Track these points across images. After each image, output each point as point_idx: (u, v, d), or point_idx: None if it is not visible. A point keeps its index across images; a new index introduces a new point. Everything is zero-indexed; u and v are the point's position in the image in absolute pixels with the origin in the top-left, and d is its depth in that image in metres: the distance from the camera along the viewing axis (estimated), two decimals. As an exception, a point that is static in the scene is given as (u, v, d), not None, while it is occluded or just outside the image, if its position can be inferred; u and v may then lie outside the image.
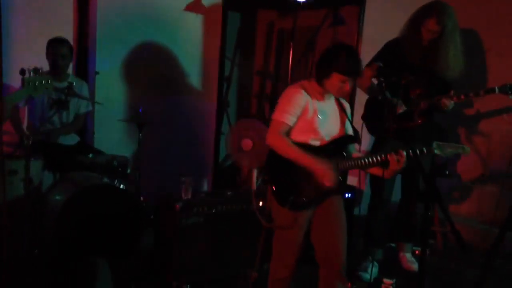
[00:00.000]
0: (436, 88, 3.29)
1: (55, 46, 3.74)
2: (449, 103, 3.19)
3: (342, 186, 2.52)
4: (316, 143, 2.51)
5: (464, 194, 4.28)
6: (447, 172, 3.91)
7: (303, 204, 2.48)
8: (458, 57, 3.25)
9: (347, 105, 2.67)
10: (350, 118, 2.66)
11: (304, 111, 2.47)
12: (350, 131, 2.64)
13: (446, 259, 3.70)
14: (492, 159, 4.09)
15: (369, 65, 3.36)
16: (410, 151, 2.42)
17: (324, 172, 2.39)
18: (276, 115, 2.49)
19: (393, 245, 3.84)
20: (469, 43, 3.37)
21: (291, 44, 4.14)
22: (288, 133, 2.49)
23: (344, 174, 2.56)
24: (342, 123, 2.62)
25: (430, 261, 3.60)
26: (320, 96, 2.54)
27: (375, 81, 3.33)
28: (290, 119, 2.46)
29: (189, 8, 4.48)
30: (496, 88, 3.10)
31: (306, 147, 2.47)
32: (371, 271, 3.20)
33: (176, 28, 4.47)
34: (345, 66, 2.40)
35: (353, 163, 2.51)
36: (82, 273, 3.16)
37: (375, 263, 3.50)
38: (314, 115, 2.48)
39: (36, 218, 3.24)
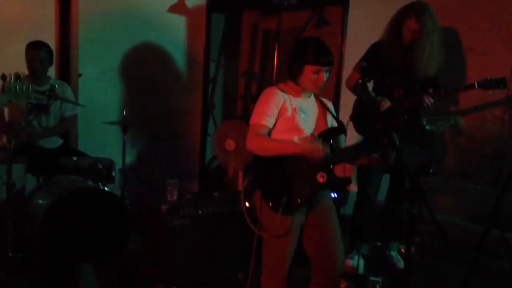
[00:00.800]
0: (418, 87, 3.32)
1: (33, 51, 3.67)
2: (428, 101, 3.23)
3: (335, 181, 2.42)
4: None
5: (448, 192, 4.33)
6: (431, 170, 3.95)
7: (297, 205, 2.40)
8: (434, 56, 3.27)
9: (329, 103, 2.65)
10: (335, 114, 2.61)
11: (282, 110, 2.44)
12: (335, 126, 2.59)
13: (432, 257, 3.72)
14: (476, 156, 4.14)
15: (356, 67, 3.40)
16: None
17: (310, 147, 2.32)
18: (253, 119, 2.45)
19: (379, 243, 3.86)
20: (452, 42, 3.41)
21: (276, 45, 4.15)
22: (268, 136, 2.44)
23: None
24: (325, 120, 2.58)
25: (416, 259, 3.63)
26: (298, 95, 2.51)
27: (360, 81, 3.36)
28: (267, 120, 2.42)
29: (173, 9, 4.46)
30: (476, 83, 3.12)
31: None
32: (357, 264, 3.21)
33: (160, 29, 4.45)
34: (315, 56, 2.38)
35: (344, 152, 2.46)
36: (66, 277, 3.12)
37: (361, 257, 3.53)
38: (294, 112, 2.45)
39: (19, 222, 3.19)
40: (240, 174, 4.03)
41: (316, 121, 2.55)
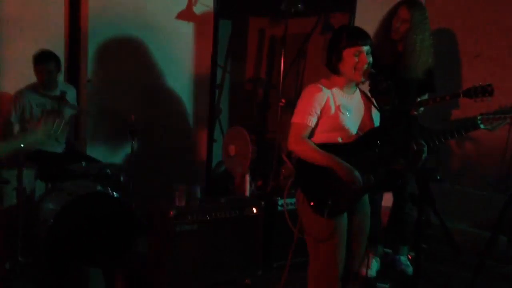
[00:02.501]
0: (412, 90, 3.30)
1: (40, 65, 3.68)
2: (416, 112, 3.21)
3: (382, 182, 2.34)
4: (345, 141, 2.37)
5: (455, 198, 4.32)
6: (438, 177, 3.95)
7: (343, 207, 2.32)
8: (424, 53, 3.24)
9: (372, 98, 2.51)
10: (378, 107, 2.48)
11: (326, 108, 2.33)
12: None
13: (440, 262, 3.72)
14: (482, 163, 4.14)
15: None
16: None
17: (349, 174, 2.24)
18: (295, 118, 2.35)
19: (387, 250, 3.86)
20: (457, 48, 3.42)
21: (283, 51, 4.16)
22: (310, 135, 2.36)
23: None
24: (370, 116, 2.46)
25: (424, 265, 3.62)
26: (342, 91, 2.39)
27: None
28: (310, 120, 2.32)
29: (181, 16, 4.49)
30: (461, 92, 3.03)
31: (334, 146, 2.33)
32: (367, 265, 3.22)
33: (168, 36, 4.47)
34: (351, 37, 2.29)
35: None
36: (75, 281, 3.14)
37: (377, 258, 3.54)
38: (338, 111, 2.34)
39: (29, 228, 3.22)
40: (247, 179, 4.04)
41: (362, 119, 2.45)
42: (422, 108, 3.22)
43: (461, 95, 3.02)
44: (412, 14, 3.19)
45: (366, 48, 2.32)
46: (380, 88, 2.35)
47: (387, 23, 3.31)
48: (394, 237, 3.71)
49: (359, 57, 2.30)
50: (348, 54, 2.31)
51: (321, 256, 2.36)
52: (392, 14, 3.29)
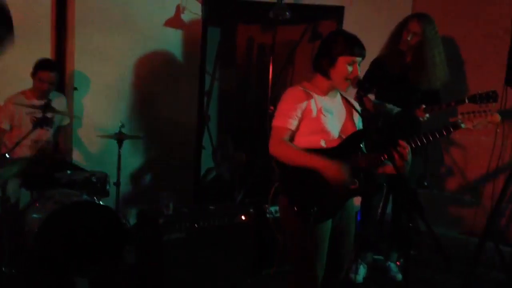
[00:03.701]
0: (416, 99, 3.36)
1: (45, 71, 3.63)
2: (421, 116, 3.27)
3: (368, 185, 2.32)
4: (328, 144, 2.32)
5: (442, 205, 4.34)
6: (425, 183, 3.96)
7: (328, 213, 2.28)
8: (442, 66, 3.33)
9: (355, 103, 2.47)
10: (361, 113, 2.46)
11: (307, 111, 2.29)
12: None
13: (429, 269, 3.72)
14: (469, 169, 4.17)
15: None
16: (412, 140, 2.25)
17: (336, 169, 2.20)
18: (276, 121, 2.31)
19: (378, 257, 3.86)
20: (448, 54, 3.46)
21: (271, 58, 4.17)
22: (292, 139, 2.31)
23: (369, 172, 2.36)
24: (353, 121, 2.43)
25: (413, 272, 3.62)
26: (324, 94, 2.37)
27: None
28: (291, 123, 2.28)
29: (169, 23, 4.48)
30: (466, 98, 3.10)
31: (317, 151, 2.27)
32: (355, 271, 3.25)
33: (156, 43, 4.46)
34: (349, 46, 2.25)
35: (369, 159, 2.30)
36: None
37: (364, 264, 3.56)
38: (319, 113, 2.30)
39: (14, 237, 3.16)
40: (235, 187, 4.02)
41: (344, 122, 2.41)
42: (427, 115, 3.26)
43: (466, 101, 3.09)
44: (423, 28, 3.27)
45: (359, 59, 2.30)
46: (367, 93, 2.37)
47: (397, 35, 3.38)
48: (387, 244, 3.73)
49: (352, 67, 2.28)
50: (342, 62, 2.28)
51: (301, 259, 2.33)
52: (402, 26, 3.36)
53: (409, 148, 2.25)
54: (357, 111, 2.45)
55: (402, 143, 2.24)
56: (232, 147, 4.28)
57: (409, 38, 3.29)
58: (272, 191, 2.39)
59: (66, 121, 3.96)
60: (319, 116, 2.30)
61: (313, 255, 2.29)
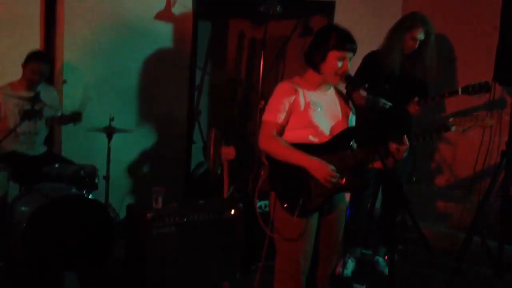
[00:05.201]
0: (412, 94, 3.40)
1: (39, 64, 3.61)
2: (414, 110, 3.31)
3: (353, 183, 2.33)
4: (316, 139, 2.34)
5: (431, 200, 4.38)
6: (414, 179, 3.99)
7: (314, 208, 2.31)
8: (434, 66, 3.42)
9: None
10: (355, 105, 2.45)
11: (295, 105, 2.30)
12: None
13: (416, 264, 3.76)
14: (458, 164, 4.21)
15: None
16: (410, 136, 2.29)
17: (320, 172, 2.23)
18: (265, 116, 2.34)
19: (366, 251, 3.89)
20: (438, 51, 3.50)
21: (262, 52, 4.17)
22: (281, 133, 2.34)
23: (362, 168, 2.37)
24: (345, 115, 2.44)
25: (400, 266, 3.66)
26: (315, 88, 2.37)
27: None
28: (280, 117, 2.30)
29: (159, 16, 4.46)
30: (460, 89, 3.18)
31: (306, 146, 2.30)
32: (344, 265, 3.29)
33: (146, 36, 4.43)
34: (341, 41, 2.26)
35: (360, 156, 2.31)
36: (50, 286, 3.08)
37: (353, 258, 3.60)
38: (307, 107, 2.31)
39: (2, 230, 3.15)
40: (226, 182, 4.02)
41: (335, 117, 2.41)
42: (418, 108, 3.32)
43: (459, 92, 3.14)
44: (428, 35, 3.34)
45: (350, 54, 2.31)
46: (356, 90, 2.38)
47: (399, 37, 3.40)
48: (376, 239, 3.76)
49: (342, 62, 2.29)
50: (333, 57, 2.28)
51: (286, 250, 2.36)
52: (405, 29, 3.38)
53: (408, 145, 2.28)
54: (351, 105, 2.45)
55: (405, 140, 2.27)
56: (222, 141, 4.28)
57: (411, 42, 3.35)
58: (260, 185, 2.40)
59: (58, 114, 3.92)
60: (307, 110, 2.32)
61: (298, 249, 2.32)
